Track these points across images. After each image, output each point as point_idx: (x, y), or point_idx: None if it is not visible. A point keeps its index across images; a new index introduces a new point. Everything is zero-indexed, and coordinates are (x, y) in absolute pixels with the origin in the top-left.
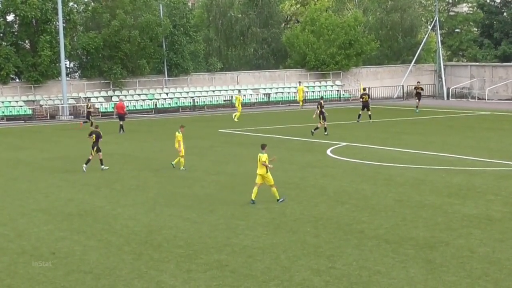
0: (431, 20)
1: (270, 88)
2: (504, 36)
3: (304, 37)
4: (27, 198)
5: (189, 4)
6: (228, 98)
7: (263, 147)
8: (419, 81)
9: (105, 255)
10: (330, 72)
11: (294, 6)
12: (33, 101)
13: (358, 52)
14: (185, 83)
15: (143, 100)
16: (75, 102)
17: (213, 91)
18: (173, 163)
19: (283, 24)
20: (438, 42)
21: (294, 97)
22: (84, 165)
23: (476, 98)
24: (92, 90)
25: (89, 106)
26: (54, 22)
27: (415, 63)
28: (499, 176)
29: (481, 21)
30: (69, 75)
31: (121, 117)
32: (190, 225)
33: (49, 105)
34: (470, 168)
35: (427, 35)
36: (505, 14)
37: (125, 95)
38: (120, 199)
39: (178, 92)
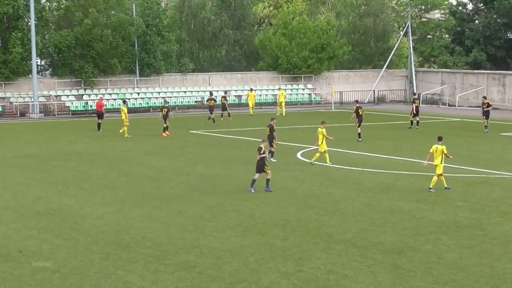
0: (404, 25)
1: (241, 90)
2: (475, 44)
3: (277, 40)
4: None
5: (162, 4)
6: (199, 99)
7: (440, 138)
8: (485, 95)
9: (73, 254)
10: (302, 76)
11: (267, 9)
12: (3, 98)
13: (330, 56)
14: (157, 83)
15: (114, 99)
16: (46, 100)
17: (185, 91)
18: (312, 161)
19: (256, 27)
20: (410, 48)
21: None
22: (271, 158)
23: (447, 104)
24: (63, 89)
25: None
26: (26, 19)
27: (386, 68)
28: (468, 183)
29: (453, 28)
30: (40, 73)
31: (100, 115)
32: (159, 226)
33: (19, 102)
34: None
35: (399, 40)
36: (476, 21)
37: (96, 94)
38: (88, 198)
39: (149, 92)
